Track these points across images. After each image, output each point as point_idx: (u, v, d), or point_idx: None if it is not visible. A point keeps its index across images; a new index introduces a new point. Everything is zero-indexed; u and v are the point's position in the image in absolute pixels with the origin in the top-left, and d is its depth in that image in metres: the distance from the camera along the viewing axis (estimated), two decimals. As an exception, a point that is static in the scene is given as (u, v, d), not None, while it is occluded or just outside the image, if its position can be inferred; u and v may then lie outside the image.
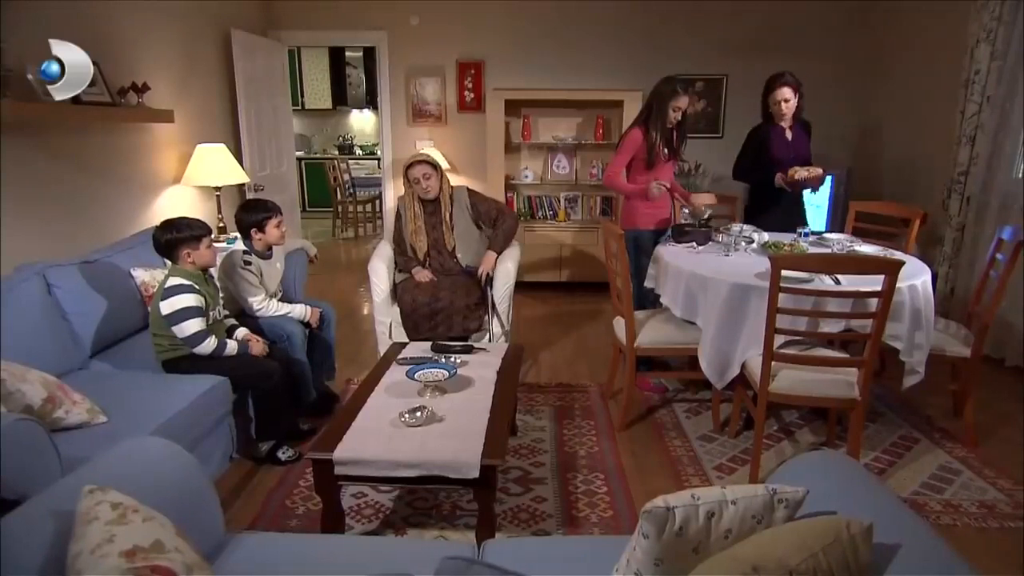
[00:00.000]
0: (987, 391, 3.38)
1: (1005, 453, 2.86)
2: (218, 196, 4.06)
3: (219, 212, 4.06)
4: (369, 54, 8.97)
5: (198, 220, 2.65)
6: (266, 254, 3.05)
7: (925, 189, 4.63)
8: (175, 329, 2.51)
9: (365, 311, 5.01)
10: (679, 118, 3.40)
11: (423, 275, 3.48)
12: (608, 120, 5.46)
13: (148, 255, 3.11)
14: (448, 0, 5.43)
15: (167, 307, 2.49)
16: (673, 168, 3.62)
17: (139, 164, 3.61)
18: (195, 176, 3.88)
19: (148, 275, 2.99)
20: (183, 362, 2.58)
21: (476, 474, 1.93)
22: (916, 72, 4.83)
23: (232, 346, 2.64)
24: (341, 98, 9.35)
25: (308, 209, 8.94)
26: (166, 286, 2.52)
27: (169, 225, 2.57)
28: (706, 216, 3.41)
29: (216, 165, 3.91)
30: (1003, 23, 3.81)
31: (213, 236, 3.88)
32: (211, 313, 2.62)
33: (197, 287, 2.54)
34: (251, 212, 2.98)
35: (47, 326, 2.47)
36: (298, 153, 7.98)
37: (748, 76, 5.47)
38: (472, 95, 5.60)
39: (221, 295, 2.80)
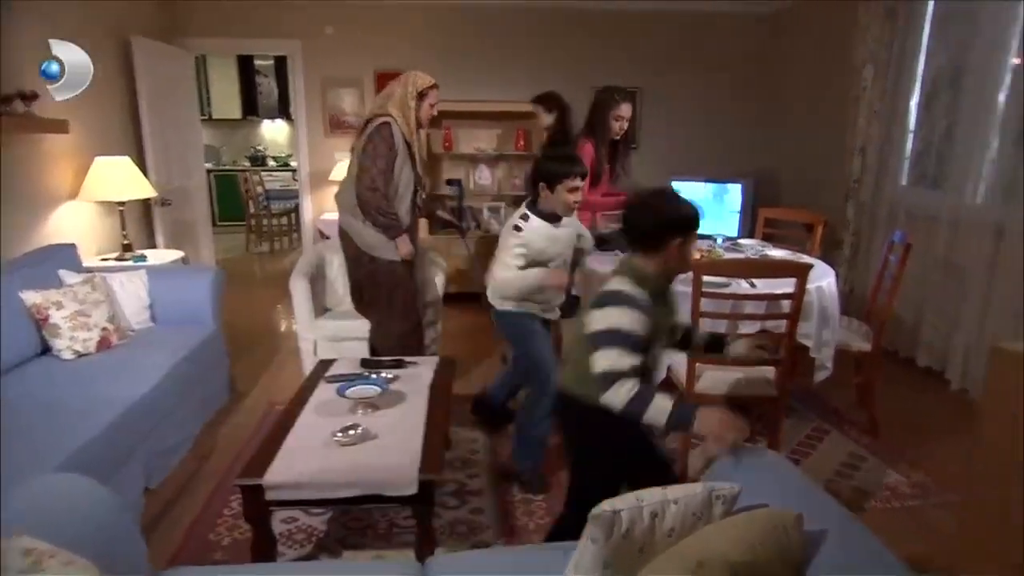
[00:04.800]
0: (884, 382, 3.65)
1: (903, 437, 3.11)
2: (121, 211, 3.81)
3: (123, 228, 3.81)
4: (280, 63, 8.70)
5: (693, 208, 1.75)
6: (553, 219, 2.51)
7: (825, 196, 4.98)
8: (594, 356, 1.66)
9: (283, 328, 4.83)
10: (624, 127, 3.41)
11: (407, 248, 3.09)
12: (529, 131, 5.54)
13: (42, 276, 2.88)
14: (364, 11, 5.36)
15: (599, 320, 1.67)
16: (608, 182, 3.66)
17: (28, 178, 3.32)
18: (95, 190, 3.62)
19: (40, 297, 2.73)
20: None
21: (414, 490, 1.90)
22: (815, 87, 5.20)
23: (662, 408, 1.58)
24: (251, 108, 9.01)
25: (219, 223, 8.53)
26: (609, 288, 1.72)
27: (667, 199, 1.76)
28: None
29: (118, 178, 3.67)
30: (883, 45, 4.18)
31: (118, 255, 3.69)
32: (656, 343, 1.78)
33: (641, 302, 1.67)
34: (554, 162, 2.46)
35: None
36: (207, 165, 7.63)
37: (660, 89, 5.74)
38: (391, 106, 5.53)
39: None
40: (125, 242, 3.77)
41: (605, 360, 1.61)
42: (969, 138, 3.67)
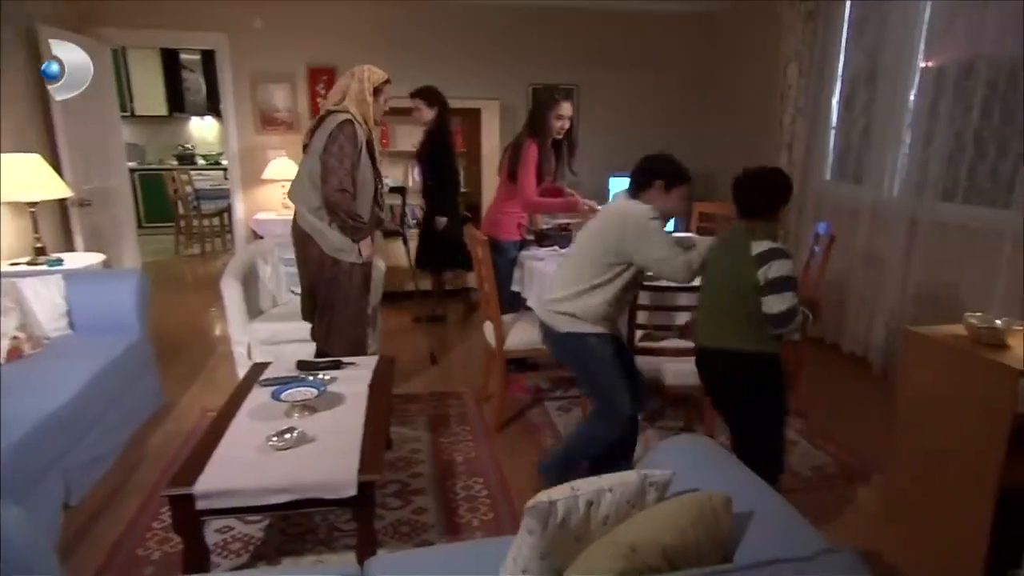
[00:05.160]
0: (812, 368, 3.82)
1: (828, 420, 3.25)
2: (33, 213, 3.58)
3: (36, 231, 3.58)
4: (208, 57, 8.37)
5: None
6: None
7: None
8: (769, 299, 2.05)
9: (217, 332, 4.66)
10: (566, 126, 3.41)
11: (370, 249, 3.03)
12: (467, 128, 5.52)
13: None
14: (294, 4, 5.21)
15: (770, 272, 2.04)
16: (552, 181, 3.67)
17: (-72, 178, 3.09)
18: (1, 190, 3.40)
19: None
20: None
21: (353, 492, 1.87)
22: (746, 85, 5.37)
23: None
24: (178, 104, 8.63)
25: (144, 225, 8.16)
26: (762, 249, 2.07)
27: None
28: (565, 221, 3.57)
29: (27, 177, 3.44)
30: (806, 45, 4.36)
31: (29, 259, 3.47)
32: None
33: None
34: (671, 163, 2.42)
35: None
36: (130, 164, 7.28)
37: (598, 86, 5.82)
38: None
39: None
40: (38, 245, 3.54)
41: (782, 302, 2.01)
42: (884, 136, 3.88)
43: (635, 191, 2.38)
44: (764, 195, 2.15)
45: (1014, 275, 2.96)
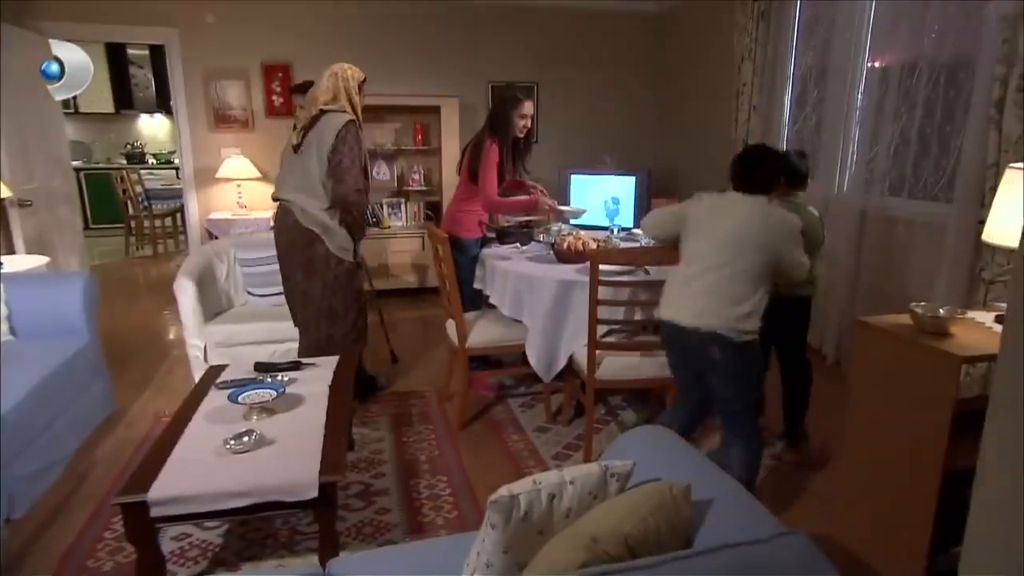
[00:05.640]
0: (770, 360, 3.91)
1: (775, 410, 3.32)
2: (-28, 213, 3.43)
3: (-26, 232, 3.44)
4: (157, 52, 8.14)
5: None
6: None
7: (716, 187, 5.24)
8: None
9: (171, 335, 4.53)
10: (528, 125, 3.39)
11: (362, 247, 3.09)
12: (427, 126, 5.49)
13: None
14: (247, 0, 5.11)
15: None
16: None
17: None
18: (-62, 190, 3.24)
19: None
20: None
21: (315, 494, 1.84)
22: (704, 83, 5.46)
23: None
24: (126, 101, 8.37)
25: (92, 226, 7.89)
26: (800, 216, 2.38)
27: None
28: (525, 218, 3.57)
29: (-34, 177, 3.30)
30: (759, 44, 4.46)
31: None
32: None
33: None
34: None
35: None
36: (75, 163, 7.02)
37: (557, 84, 5.86)
38: (281, 99, 5.31)
39: None
40: (-23, 247, 3.40)
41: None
42: (834, 133, 3.99)
43: (767, 193, 2.28)
44: (803, 167, 2.70)
45: (956, 266, 3.09)
